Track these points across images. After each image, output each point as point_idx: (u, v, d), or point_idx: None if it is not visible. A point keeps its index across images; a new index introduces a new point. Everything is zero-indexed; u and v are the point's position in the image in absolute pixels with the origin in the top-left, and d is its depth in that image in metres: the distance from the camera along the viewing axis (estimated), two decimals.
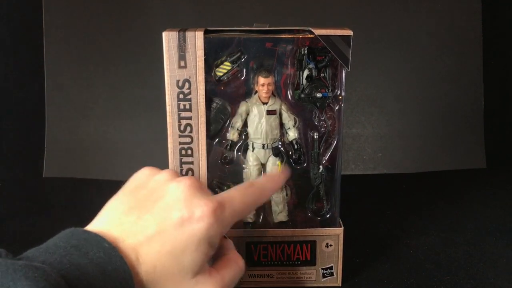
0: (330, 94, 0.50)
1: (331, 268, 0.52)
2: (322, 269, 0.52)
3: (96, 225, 0.36)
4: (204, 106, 0.49)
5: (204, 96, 0.49)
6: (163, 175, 0.39)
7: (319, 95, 0.50)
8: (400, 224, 0.69)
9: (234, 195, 0.39)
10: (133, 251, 0.34)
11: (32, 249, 0.32)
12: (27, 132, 0.91)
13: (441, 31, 0.92)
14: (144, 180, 0.39)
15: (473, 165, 0.92)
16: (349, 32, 0.48)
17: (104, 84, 0.90)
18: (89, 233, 0.34)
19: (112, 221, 0.36)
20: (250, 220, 0.53)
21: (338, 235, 0.52)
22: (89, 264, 0.32)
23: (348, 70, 0.49)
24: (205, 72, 0.48)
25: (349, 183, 0.88)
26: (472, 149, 0.93)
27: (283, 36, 0.49)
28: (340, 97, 0.51)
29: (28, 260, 0.30)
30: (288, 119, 0.51)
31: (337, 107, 0.51)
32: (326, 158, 0.52)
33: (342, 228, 0.52)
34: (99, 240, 0.33)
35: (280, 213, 0.53)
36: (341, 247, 0.52)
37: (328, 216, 0.53)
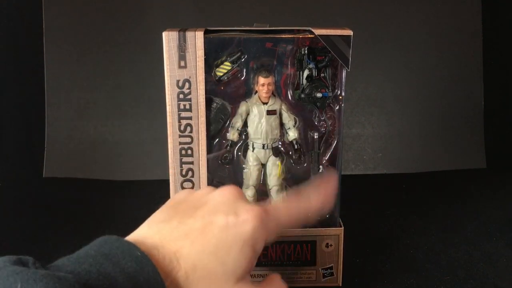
0: (330, 94, 0.50)
1: (331, 268, 0.52)
2: (322, 269, 0.53)
3: (133, 235, 0.35)
4: (204, 106, 0.49)
5: (204, 96, 0.49)
6: (204, 190, 0.39)
7: (319, 95, 0.50)
8: (400, 224, 0.69)
9: (279, 205, 0.39)
10: (174, 256, 0.33)
11: (64, 257, 0.31)
12: (27, 132, 0.91)
13: (441, 31, 0.92)
14: (184, 196, 0.39)
15: (473, 165, 0.92)
16: (349, 32, 0.48)
17: (104, 84, 0.90)
18: (122, 241, 0.32)
19: (150, 229, 0.35)
20: None
21: (338, 235, 0.52)
22: (119, 274, 0.30)
23: (348, 70, 0.49)
24: (205, 72, 0.48)
25: (349, 183, 0.88)
26: (472, 149, 0.93)
27: (283, 36, 0.49)
28: (340, 97, 0.51)
29: (55, 270, 0.29)
30: (288, 119, 0.51)
31: (337, 107, 0.51)
32: (326, 158, 0.52)
33: (342, 228, 0.52)
34: (131, 248, 0.32)
35: None
36: (341, 247, 0.52)
37: (328, 216, 0.53)
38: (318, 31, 0.48)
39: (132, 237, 0.35)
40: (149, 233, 0.35)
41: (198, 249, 0.33)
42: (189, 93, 0.48)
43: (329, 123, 0.51)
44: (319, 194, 0.42)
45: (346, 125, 0.92)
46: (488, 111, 0.93)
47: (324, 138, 0.52)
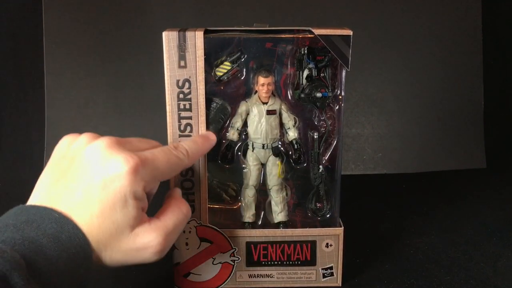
0: (330, 94, 0.50)
1: (331, 268, 0.52)
2: (322, 269, 0.52)
3: (33, 201, 0.38)
4: (204, 106, 0.49)
5: (204, 96, 0.49)
6: (80, 140, 0.42)
7: (319, 95, 0.50)
8: (400, 224, 0.69)
9: (157, 154, 0.40)
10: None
11: None
12: (27, 132, 0.91)
13: (441, 31, 0.92)
14: (64, 150, 0.41)
15: (473, 165, 0.92)
16: (349, 32, 0.48)
17: (104, 84, 0.90)
18: (38, 207, 0.35)
19: (43, 195, 0.38)
20: (249, 220, 0.53)
21: (338, 235, 0.52)
22: (42, 236, 0.33)
23: (348, 70, 0.49)
24: (205, 72, 0.48)
25: (349, 183, 0.88)
26: (472, 149, 0.93)
27: (283, 36, 0.49)
28: (340, 97, 0.51)
29: None
30: (288, 119, 0.51)
31: (337, 107, 0.51)
32: (326, 158, 0.52)
33: (342, 228, 0.52)
34: (48, 211, 0.34)
35: (280, 213, 0.53)
36: (341, 247, 0.52)
37: (328, 216, 0.53)
38: (317, 31, 0.48)
39: (36, 203, 0.37)
40: (43, 199, 0.37)
41: (87, 216, 0.36)
42: (189, 93, 0.48)
43: (329, 123, 0.51)
44: (197, 147, 0.45)
45: (346, 125, 0.92)
46: (488, 111, 0.93)
47: (324, 138, 0.52)
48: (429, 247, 0.62)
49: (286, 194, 0.53)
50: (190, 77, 0.48)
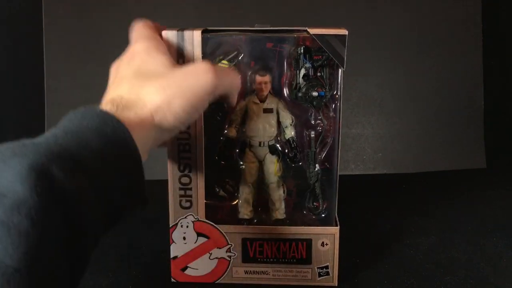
0: (327, 94, 0.50)
1: (326, 267, 0.52)
2: (317, 268, 0.52)
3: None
4: None
5: None
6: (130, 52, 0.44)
7: (315, 94, 0.50)
8: (400, 224, 0.69)
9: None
10: (136, 96, 0.37)
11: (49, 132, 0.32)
12: (27, 132, 0.91)
13: (441, 31, 0.92)
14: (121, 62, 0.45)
15: (473, 165, 0.92)
16: (344, 32, 0.48)
17: (104, 84, 0.90)
18: (80, 108, 0.34)
19: (111, 94, 0.39)
20: (246, 217, 0.53)
21: (334, 234, 0.52)
22: (85, 129, 0.31)
23: (344, 69, 0.49)
24: None
25: (349, 183, 0.88)
26: (472, 149, 0.93)
27: (283, 35, 0.49)
28: (337, 96, 0.51)
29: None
30: (285, 118, 0.51)
31: (333, 106, 0.51)
32: (323, 157, 0.52)
33: (338, 227, 0.52)
34: (90, 109, 0.33)
35: (277, 210, 0.53)
36: (337, 246, 0.52)
37: (324, 215, 0.53)
38: (313, 31, 0.48)
39: (111, 98, 0.37)
40: (123, 93, 0.37)
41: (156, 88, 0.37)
42: None
43: (325, 123, 0.51)
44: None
45: (346, 125, 0.92)
46: (488, 111, 0.93)
47: (320, 137, 0.52)
48: (429, 247, 0.62)
49: (284, 192, 0.53)
50: None
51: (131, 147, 0.32)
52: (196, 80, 0.38)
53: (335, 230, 0.52)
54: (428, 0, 0.91)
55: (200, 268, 0.53)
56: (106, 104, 0.35)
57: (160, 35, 0.46)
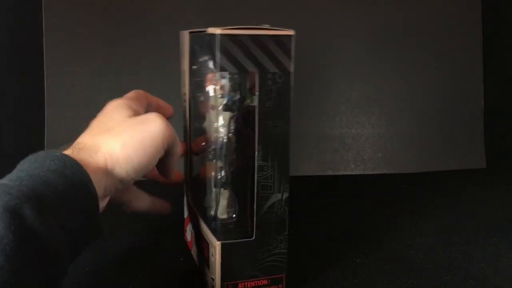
0: (235, 98, 0.45)
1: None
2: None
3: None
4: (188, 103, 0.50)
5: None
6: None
7: (224, 101, 0.45)
8: (400, 224, 0.69)
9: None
10: (92, 147, 0.39)
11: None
12: (27, 132, 0.91)
13: (441, 31, 0.92)
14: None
15: (473, 165, 0.92)
16: (216, 31, 0.42)
17: (104, 84, 0.90)
18: (42, 151, 0.36)
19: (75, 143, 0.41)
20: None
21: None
22: (47, 171, 0.34)
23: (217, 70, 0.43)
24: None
25: (349, 183, 0.88)
26: (472, 149, 0.93)
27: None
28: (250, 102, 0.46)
29: None
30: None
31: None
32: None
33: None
34: (50, 152, 0.36)
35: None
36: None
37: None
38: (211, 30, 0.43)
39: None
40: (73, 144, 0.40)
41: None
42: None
43: (232, 128, 0.46)
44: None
45: (346, 125, 0.92)
46: (488, 111, 0.93)
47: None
48: (429, 247, 0.62)
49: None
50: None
51: (89, 187, 0.36)
52: (147, 126, 0.41)
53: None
54: (428, 0, 0.91)
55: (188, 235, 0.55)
56: (65, 149, 0.39)
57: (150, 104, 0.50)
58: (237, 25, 0.43)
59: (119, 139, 0.39)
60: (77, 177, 0.35)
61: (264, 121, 0.43)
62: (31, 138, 0.90)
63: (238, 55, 0.42)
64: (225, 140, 0.45)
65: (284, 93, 0.43)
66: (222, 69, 0.41)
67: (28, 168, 0.34)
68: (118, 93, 0.89)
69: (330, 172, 0.91)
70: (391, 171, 0.91)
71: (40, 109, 0.90)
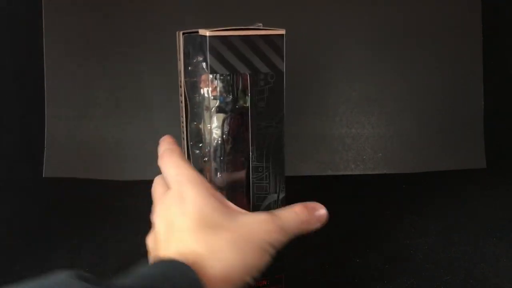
0: (228, 99, 0.45)
1: None
2: None
3: (179, 250, 0.35)
4: (184, 105, 0.50)
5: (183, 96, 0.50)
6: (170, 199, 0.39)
7: (216, 103, 0.45)
8: (400, 224, 0.69)
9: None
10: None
11: (124, 277, 0.32)
12: (27, 132, 0.91)
13: (441, 31, 0.92)
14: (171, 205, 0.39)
15: (473, 165, 0.92)
16: (205, 33, 0.43)
17: (104, 84, 0.90)
18: (177, 262, 0.33)
19: (194, 244, 0.36)
20: None
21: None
22: None
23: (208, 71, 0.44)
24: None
25: (349, 183, 0.89)
26: (472, 149, 0.93)
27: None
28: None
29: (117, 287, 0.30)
30: None
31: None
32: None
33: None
34: (187, 270, 0.33)
35: None
36: None
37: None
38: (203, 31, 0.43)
39: (179, 253, 0.35)
40: (193, 248, 0.35)
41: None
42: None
43: (226, 130, 0.46)
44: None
45: (346, 125, 0.92)
46: (488, 111, 0.93)
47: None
48: (429, 247, 0.62)
49: None
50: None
51: None
52: (264, 235, 0.37)
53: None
54: (428, 0, 0.91)
55: None
56: (185, 259, 0.34)
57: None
58: (237, 25, 0.44)
59: (239, 249, 0.35)
60: None
61: (257, 122, 0.43)
62: (31, 138, 0.91)
63: (228, 57, 0.42)
64: (219, 142, 0.45)
65: (276, 93, 0.43)
66: (213, 71, 0.41)
67: (162, 280, 0.31)
68: (118, 93, 0.90)
69: (330, 172, 0.91)
70: (391, 171, 0.91)
71: (40, 109, 0.90)
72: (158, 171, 0.72)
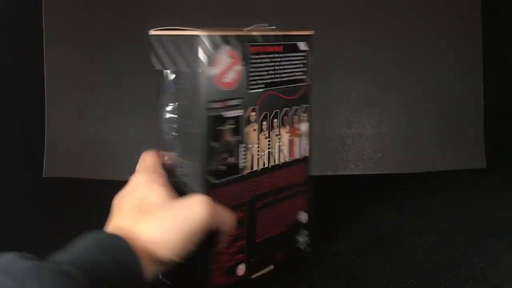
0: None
1: None
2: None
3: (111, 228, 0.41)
4: None
5: None
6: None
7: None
8: (400, 224, 0.69)
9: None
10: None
11: (59, 252, 0.35)
12: (27, 132, 0.91)
13: (441, 31, 0.92)
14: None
15: (473, 165, 0.92)
16: (150, 32, 0.46)
17: (104, 84, 0.90)
18: (109, 234, 0.38)
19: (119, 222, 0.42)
20: None
21: None
22: (109, 262, 0.35)
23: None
24: None
25: (349, 183, 0.88)
26: (472, 149, 0.93)
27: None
28: None
29: (55, 264, 0.33)
30: None
31: None
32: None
33: None
34: (120, 240, 0.37)
35: None
36: None
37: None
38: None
39: (116, 228, 0.40)
40: (128, 225, 0.40)
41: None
42: None
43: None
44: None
45: (346, 125, 0.92)
46: (488, 111, 0.93)
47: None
48: (429, 247, 0.62)
49: None
50: None
51: (140, 275, 0.37)
52: (191, 213, 0.40)
53: None
54: (428, 0, 0.91)
55: None
56: (120, 233, 0.39)
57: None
58: (236, 26, 0.44)
59: (163, 228, 0.39)
60: (133, 277, 0.36)
61: (181, 119, 0.45)
62: (31, 138, 0.91)
63: (161, 55, 0.45)
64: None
65: (194, 94, 0.43)
66: (151, 66, 0.44)
67: (98, 253, 0.35)
68: (117, 93, 0.90)
69: (330, 172, 0.91)
70: (391, 171, 0.91)
71: (40, 109, 0.90)
72: None
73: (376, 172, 0.92)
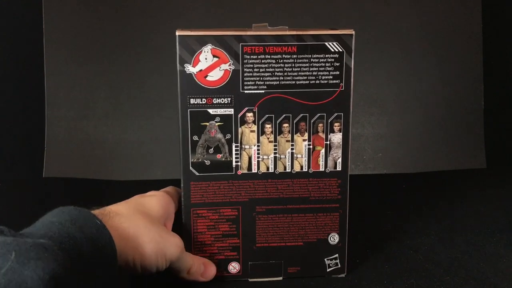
0: None
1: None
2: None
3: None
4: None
5: None
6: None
7: None
8: (400, 224, 0.69)
9: None
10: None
11: (28, 228, 0.37)
12: (27, 132, 0.91)
13: (441, 31, 0.92)
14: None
15: (473, 165, 0.92)
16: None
17: (104, 84, 0.90)
18: (80, 209, 0.39)
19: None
20: None
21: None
22: (83, 237, 0.36)
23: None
24: None
25: (349, 183, 0.88)
26: (472, 149, 0.93)
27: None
28: None
29: (31, 237, 0.33)
30: None
31: None
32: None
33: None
34: (91, 216, 0.38)
35: None
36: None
37: None
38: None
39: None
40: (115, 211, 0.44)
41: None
42: None
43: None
44: None
45: None
46: (488, 111, 0.93)
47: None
48: (429, 247, 0.62)
49: None
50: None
51: (113, 263, 0.39)
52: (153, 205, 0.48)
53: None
54: (428, 0, 0.91)
55: None
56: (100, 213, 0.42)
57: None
58: (236, 26, 0.44)
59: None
60: (106, 252, 0.38)
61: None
62: (31, 138, 0.90)
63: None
64: None
65: (179, 89, 0.48)
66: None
67: (69, 225, 0.36)
68: (117, 93, 0.90)
69: None
70: (391, 171, 0.91)
71: (40, 109, 0.90)
72: (157, 171, 0.71)
73: (376, 172, 0.92)
